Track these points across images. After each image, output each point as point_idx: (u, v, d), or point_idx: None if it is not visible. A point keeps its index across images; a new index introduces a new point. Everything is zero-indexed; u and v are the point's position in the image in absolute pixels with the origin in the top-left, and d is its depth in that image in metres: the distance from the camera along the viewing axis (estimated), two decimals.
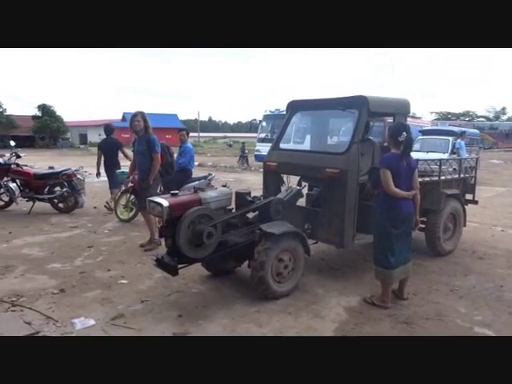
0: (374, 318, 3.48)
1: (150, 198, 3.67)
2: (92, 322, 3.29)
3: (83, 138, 45.49)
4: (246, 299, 3.76)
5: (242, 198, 4.19)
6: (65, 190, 7.49)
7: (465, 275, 4.57)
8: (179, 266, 3.58)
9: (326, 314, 3.55)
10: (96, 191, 9.90)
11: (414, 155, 11.82)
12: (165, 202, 3.48)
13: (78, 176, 7.64)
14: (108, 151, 7.33)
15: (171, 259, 3.60)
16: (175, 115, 50.22)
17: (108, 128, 7.45)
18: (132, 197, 6.84)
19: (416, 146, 13.40)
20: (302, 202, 4.84)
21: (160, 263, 3.65)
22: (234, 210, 4.10)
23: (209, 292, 3.97)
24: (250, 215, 4.31)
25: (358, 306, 3.71)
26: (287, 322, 3.37)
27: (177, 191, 3.78)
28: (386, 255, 3.63)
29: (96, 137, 42.91)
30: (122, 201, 6.95)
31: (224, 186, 4.16)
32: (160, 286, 4.09)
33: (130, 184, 6.79)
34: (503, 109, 60.54)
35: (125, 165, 7.55)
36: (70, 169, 7.72)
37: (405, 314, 3.57)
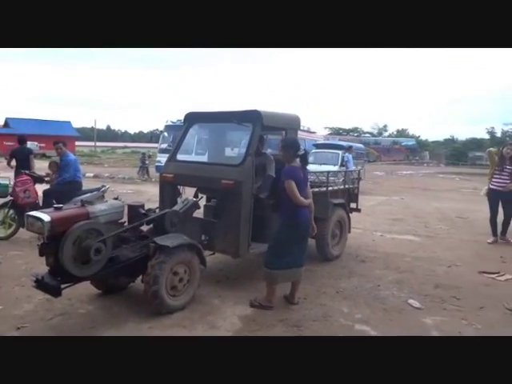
0: (267, 324, 3.60)
1: (29, 213, 3.36)
2: None
3: None
4: (139, 316, 3.62)
5: (135, 210, 4.05)
6: None
7: (349, 277, 4.98)
8: (63, 285, 3.31)
9: (221, 324, 3.58)
10: None
11: (309, 167, 12.62)
12: (46, 217, 3.21)
13: None
14: (22, 158, 7.22)
15: (53, 279, 3.31)
16: (69, 122, 46.56)
17: (22, 138, 7.74)
18: (11, 211, 6.18)
19: (310, 159, 14.38)
20: (200, 213, 4.86)
21: (40, 284, 3.33)
22: (126, 224, 3.94)
23: (98, 312, 3.73)
24: (145, 228, 4.19)
25: (251, 314, 3.81)
26: (182, 335, 3.32)
27: (61, 205, 3.52)
28: (276, 257, 3.89)
29: None
30: None
31: (116, 198, 3.98)
32: (41, 309, 3.72)
33: (10, 197, 6.18)
34: (385, 126, 68.18)
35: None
36: None
37: (295, 317, 3.76)
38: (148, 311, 3.65)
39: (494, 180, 6.74)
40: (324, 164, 13.13)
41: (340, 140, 27.06)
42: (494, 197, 6.80)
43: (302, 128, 16.65)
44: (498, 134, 32.38)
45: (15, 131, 31.74)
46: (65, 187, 6.24)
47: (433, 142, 58.13)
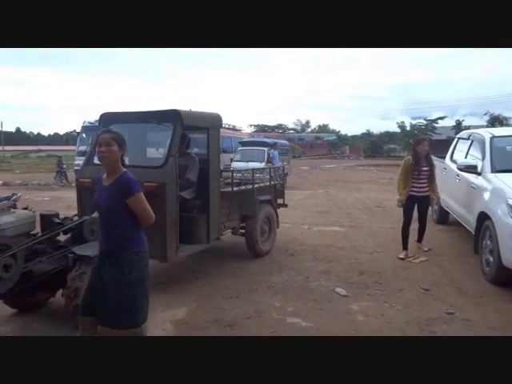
0: (201, 327, 3.55)
1: None
2: None
3: None
4: (62, 333, 3.35)
5: (48, 220, 3.74)
6: None
7: (280, 272, 5.08)
8: None
9: (153, 331, 3.43)
10: None
11: (237, 165, 12.54)
12: None
13: None
14: None
15: None
16: None
17: None
18: None
19: (237, 157, 14.47)
20: None
21: None
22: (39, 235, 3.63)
23: (15, 333, 3.40)
24: (63, 238, 3.90)
25: (184, 318, 3.73)
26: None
27: None
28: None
29: None
30: None
31: (25, 208, 3.65)
32: None
33: None
34: (307, 122, 70.96)
35: None
36: None
37: (228, 317, 3.75)
38: (71, 327, 3.39)
39: (413, 186, 5.65)
40: (251, 161, 13.27)
41: (265, 137, 27.56)
42: (409, 203, 5.73)
43: (227, 126, 16.71)
44: (408, 128, 35.29)
45: None
46: None
47: (352, 137, 61.57)
